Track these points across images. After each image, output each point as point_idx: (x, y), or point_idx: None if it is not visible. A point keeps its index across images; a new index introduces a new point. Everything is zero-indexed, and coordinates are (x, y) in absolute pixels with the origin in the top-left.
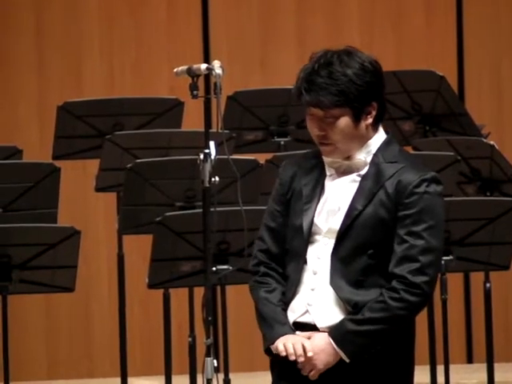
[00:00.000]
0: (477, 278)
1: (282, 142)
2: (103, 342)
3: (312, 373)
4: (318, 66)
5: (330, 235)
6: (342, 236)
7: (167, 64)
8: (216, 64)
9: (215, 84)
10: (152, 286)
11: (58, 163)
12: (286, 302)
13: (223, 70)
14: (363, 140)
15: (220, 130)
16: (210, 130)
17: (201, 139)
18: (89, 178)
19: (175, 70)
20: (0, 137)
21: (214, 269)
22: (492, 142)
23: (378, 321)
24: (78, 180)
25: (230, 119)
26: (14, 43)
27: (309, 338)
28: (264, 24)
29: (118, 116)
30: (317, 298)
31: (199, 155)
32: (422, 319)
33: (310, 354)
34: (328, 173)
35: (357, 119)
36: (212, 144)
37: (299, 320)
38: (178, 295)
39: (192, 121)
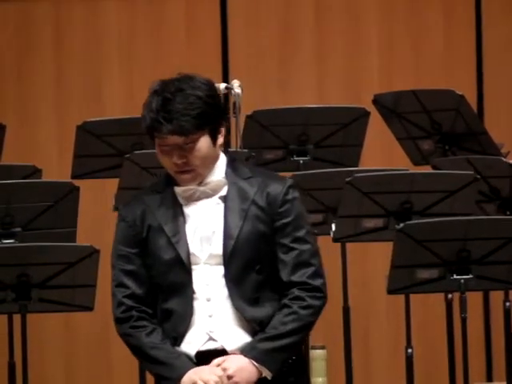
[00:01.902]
0: (496, 296)
1: (302, 161)
2: (122, 361)
3: None
4: (171, 93)
5: (212, 261)
6: (230, 258)
7: None
8: (235, 83)
9: (234, 103)
10: None
11: (77, 182)
12: (176, 337)
13: (242, 90)
14: (215, 161)
15: (239, 149)
16: (230, 149)
17: None
18: (108, 197)
19: None
20: (19, 156)
21: None
22: (511, 161)
23: (293, 332)
24: (97, 199)
25: (249, 138)
26: (33, 62)
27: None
28: (283, 43)
29: (137, 135)
30: (218, 324)
31: None
32: (441, 338)
33: (230, 372)
34: (182, 202)
35: (214, 140)
36: None
37: (203, 349)
38: None
39: None
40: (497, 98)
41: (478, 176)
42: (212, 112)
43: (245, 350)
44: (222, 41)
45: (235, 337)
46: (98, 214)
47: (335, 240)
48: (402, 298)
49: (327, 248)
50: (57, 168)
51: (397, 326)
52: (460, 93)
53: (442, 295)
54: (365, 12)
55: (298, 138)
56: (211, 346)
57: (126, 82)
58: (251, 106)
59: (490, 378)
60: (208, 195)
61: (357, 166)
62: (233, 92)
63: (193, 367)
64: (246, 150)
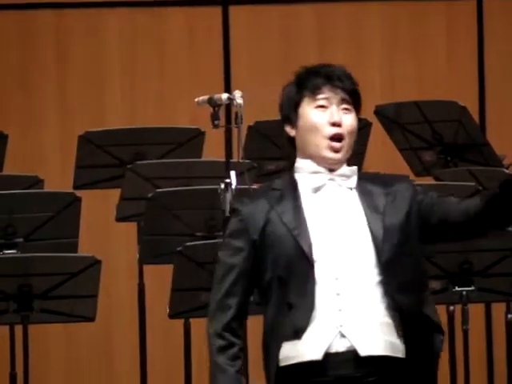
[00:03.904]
0: (498, 308)
1: None
2: (124, 372)
3: None
4: (326, 65)
5: (348, 254)
6: (382, 246)
7: (188, 94)
8: (237, 94)
9: (236, 114)
10: (173, 316)
11: (79, 193)
12: (296, 331)
13: (244, 100)
14: (352, 151)
15: (241, 160)
16: (231, 160)
17: (222, 169)
18: (110, 208)
19: (196, 99)
20: (22, 166)
21: None
22: None
23: None
24: (99, 209)
25: (250, 149)
26: (36, 72)
27: None
28: (285, 54)
29: (139, 145)
30: (349, 319)
31: (220, 185)
32: (443, 350)
33: None
34: (310, 191)
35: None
36: (233, 174)
37: (332, 351)
38: (199, 325)
39: (213, 150)
40: (499, 109)
41: (480, 187)
42: (360, 97)
43: None
44: (224, 52)
45: (369, 338)
46: (99, 225)
47: None
48: None
49: None
50: (59, 178)
51: None
52: (462, 104)
53: (443, 307)
54: (367, 23)
55: None
56: (342, 345)
57: (128, 92)
58: (253, 117)
59: None
60: (336, 185)
61: None
62: (235, 103)
63: None
64: (247, 161)
